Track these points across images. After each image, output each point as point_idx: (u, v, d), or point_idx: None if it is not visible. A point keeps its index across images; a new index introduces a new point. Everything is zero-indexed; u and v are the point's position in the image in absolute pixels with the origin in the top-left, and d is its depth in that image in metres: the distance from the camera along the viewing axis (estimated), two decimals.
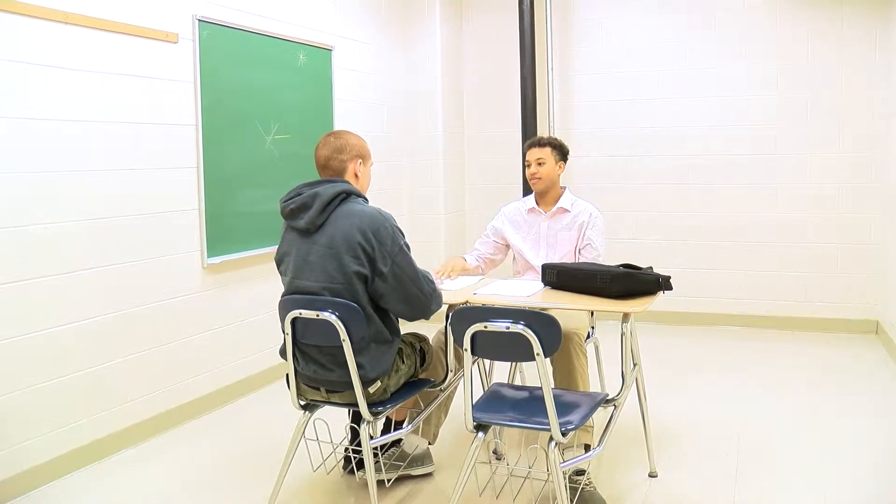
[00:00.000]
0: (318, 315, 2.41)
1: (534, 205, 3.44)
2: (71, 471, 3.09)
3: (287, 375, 2.60)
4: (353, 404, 2.51)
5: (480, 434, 2.42)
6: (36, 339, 2.95)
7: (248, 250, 4.02)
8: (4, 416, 2.85)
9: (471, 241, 6.02)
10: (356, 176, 2.63)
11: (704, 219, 5.46)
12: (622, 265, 2.83)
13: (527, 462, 3.05)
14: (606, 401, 2.62)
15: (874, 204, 5.06)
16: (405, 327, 2.71)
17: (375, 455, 2.72)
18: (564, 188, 3.45)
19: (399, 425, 2.87)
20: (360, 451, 2.65)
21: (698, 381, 4.21)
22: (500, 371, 3.44)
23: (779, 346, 4.89)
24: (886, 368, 4.37)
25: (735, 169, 5.35)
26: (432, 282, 2.58)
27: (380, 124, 5.36)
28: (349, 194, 2.52)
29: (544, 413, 2.28)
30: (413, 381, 2.74)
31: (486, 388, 2.77)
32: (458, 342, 2.38)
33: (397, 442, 2.95)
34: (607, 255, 3.40)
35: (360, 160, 2.65)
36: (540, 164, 3.34)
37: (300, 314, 2.45)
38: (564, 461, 2.39)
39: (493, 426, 2.53)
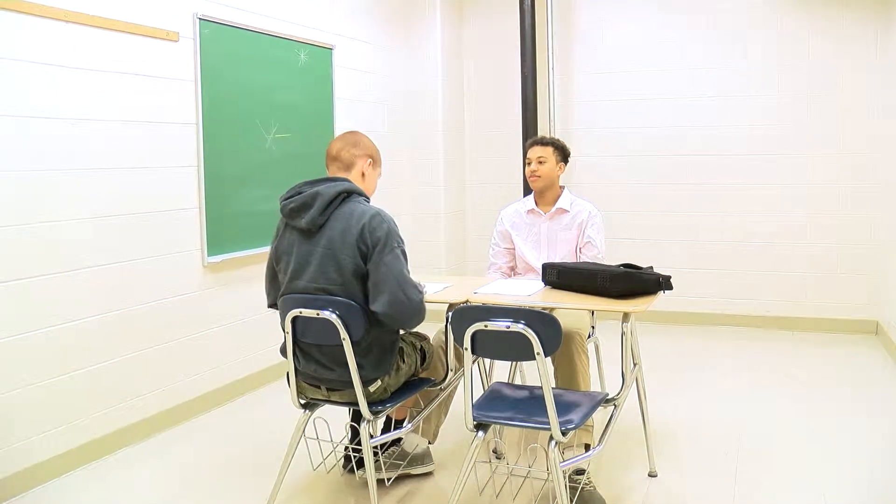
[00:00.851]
0: (318, 314, 2.40)
1: (533, 206, 3.44)
2: (70, 469, 3.09)
3: (287, 374, 2.60)
4: (353, 403, 2.51)
5: (480, 433, 2.42)
6: (36, 337, 2.95)
7: (249, 249, 4.02)
8: (4, 415, 2.85)
9: (471, 241, 6.04)
10: (363, 175, 2.63)
11: (704, 218, 5.46)
12: (623, 265, 2.83)
13: (527, 461, 3.06)
14: (606, 400, 2.62)
15: (874, 204, 5.06)
16: None
17: (375, 454, 2.72)
18: (563, 187, 3.45)
19: (399, 424, 2.87)
20: (360, 450, 2.65)
21: (698, 381, 4.21)
22: (501, 370, 3.44)
23: (779, 346, 4.89)
24: (886, 369, 4.37)
25: (735, 169, 5.35)
26: (421, 293, 2.49)
27: (380, 124, 5.36)
28: (350, 193, 2.51)
29: (544, 412, 2.28)
30: (413, 381, 2.74)
31: (487, 388, 2.77)
32: (459, 341, 2.37)
33: (397, 441, 2.96)
34: (608, 254, 3.40)
35: (371, 161, 2.65)
36: (541, 162, 3.34)
37: (300, 313, 2.45)
38: (564, 460, 2.39)
39: (493, 425, 2.53)
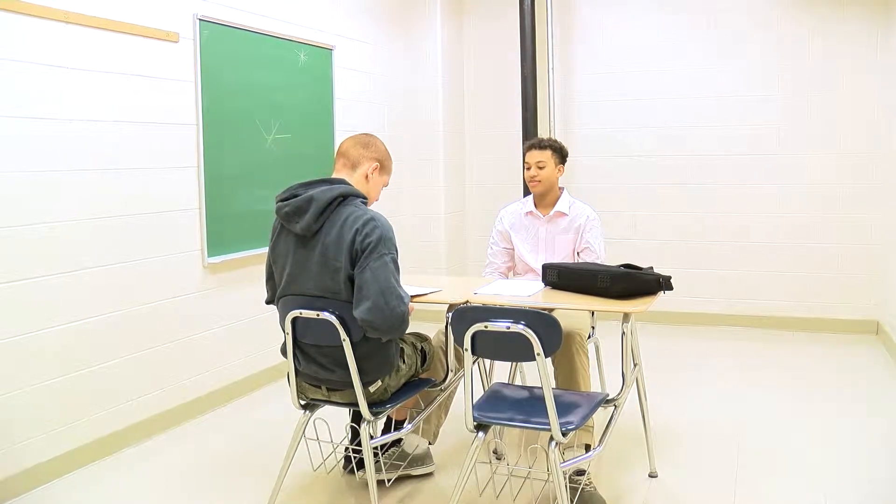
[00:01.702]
0: (318, 315, 2.40)
1: (532, 208, 3.43)
2: (71, 470, 3.09)
3: (288, 374, 2.60)
4: (353, 404, 2.51)
5: (481, 434, 2.42)
6: (36, 337, 2.95)
7: (249, 249, 4.02)
8: (5, 415, 2.85)
9: (471, 241, 6.04)
10: (367, 178, 2.58)
11: (704, 219, 5.46)
12: (622, 265, 2.83)
13: (527, 462, 3.06)
14: (607, 401, 2.62)
15: (874, 204, 5.06)
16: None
17: (375, 455, 2.72)
18: (563, 189, 3.44)
19: (399, 425, 2.87)
20: (361, 451, 2.65)
21: (698, 381, 4.21)
22: (501, 371, 3.45)
23: (778, 346, 4.89)
24: (886, 369, 4.37)
25: (735, 169, 5.35)
26: (405, 304, 2.40)
27: (380, 124, 5.36)
28: (346, 196, 2.46)
29: (544, 413, 2.28)
30: (413, 381, 2.74)
31: (487, 388, 2.77)
32: (459, 342, 2.37)
33: (397, 441, 2.95)
34: (607, 255, 3.40)
35: (379, 166, 2.61)
36: (540, 167, 3.33)
37: (300, 314, 2.45)
38: (565, 461, 2.39)
39: (493, 426, 2.53)
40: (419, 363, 2.72)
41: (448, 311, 2.61)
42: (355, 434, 2.79)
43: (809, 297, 5.26)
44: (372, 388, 2.49)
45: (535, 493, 2.79)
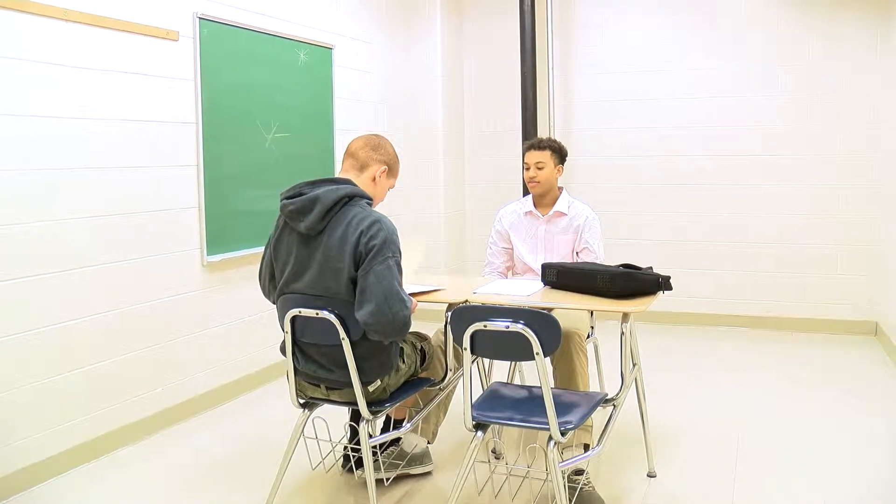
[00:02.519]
0: (317, 314, 2.40)
1: (531, 208, 3.43)
2: (70, 468, 3.09)
3: (287, 373, 2.60)
4: (352, 403, 2.50)
5: (479, 433, 2.41)
6: (35, 336, 2.95)
7: (248, 248, 4.02)
8: (4, 414, 2.85)
9: (471, 241, 6.04)
10: (374, 180, 2.58)
11: (704, 219, 5.46)
12: (622, 265, 2.83)
13: (526, 461, 3.06)
14: (606, 400, 2.62)
15: (873, 205, 5.06)
16: None
17: (374, 454, 2.72)
18: (562, 189, 3.44)
19: (398, 424, 2.87)
20: (360, 450, 2.65)
21: (698, 381, 4.21)
22: (500, 370, 3.44)
23: (778, 347, 4.89)
24: (885, 369, 4.37)
25: (735, 169, 5.35)
26: (407, 309, 2.40)
27: (380, 124, 5.36)
28: (352, 197, 2.45)
29: (543, 412, 2.28)
30: (413, 380, 2.73)
31: (486, 388, 2.77)
32: (458, 341, 2.37)
33: (396, 441, 2.95)
34: (607, 255, 3.40)
35: (387, 169, 2.61)
36: (539, 168, 3.33)
37: (299, 313, 2.44)
38: (563, 461, 2.39)
39: (492, 425, 2.53)
40: (418, 362, 2.72)
41: (447, 311, 2.61)
42: (354, 433, 2.79)
43: (808, 298, 5.26)
44: (371, 388, 2.49)
45: (533, 492, 2.79)
